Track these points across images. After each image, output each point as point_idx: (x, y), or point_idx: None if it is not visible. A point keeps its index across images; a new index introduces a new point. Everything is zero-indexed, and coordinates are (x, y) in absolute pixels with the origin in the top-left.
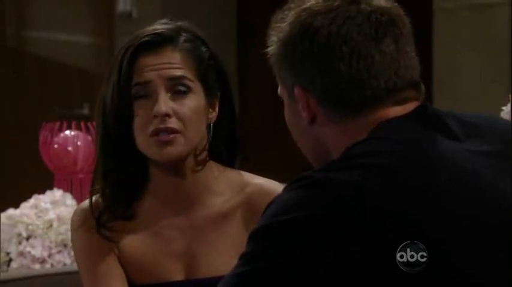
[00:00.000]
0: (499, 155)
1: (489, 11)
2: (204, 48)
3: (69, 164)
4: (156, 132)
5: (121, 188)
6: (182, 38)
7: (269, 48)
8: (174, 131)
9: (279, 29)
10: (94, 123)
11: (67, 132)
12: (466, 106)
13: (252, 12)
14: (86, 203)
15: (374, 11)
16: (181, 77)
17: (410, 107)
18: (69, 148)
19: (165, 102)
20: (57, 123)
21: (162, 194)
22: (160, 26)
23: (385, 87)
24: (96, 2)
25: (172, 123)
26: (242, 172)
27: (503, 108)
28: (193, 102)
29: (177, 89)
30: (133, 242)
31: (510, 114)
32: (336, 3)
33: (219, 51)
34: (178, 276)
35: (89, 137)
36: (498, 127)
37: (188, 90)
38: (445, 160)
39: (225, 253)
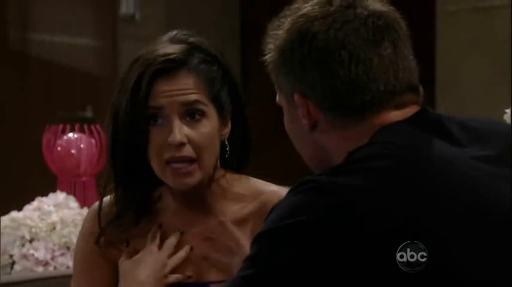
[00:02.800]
0: (500, 159)
1: (491, 13)
2: (216, 68)
3: (73, 166)
4: (171, 161)
5: (132, 198)
6: (195, 60)
7: (267, 56)
8: (189, 159)
9: (276, 36)
10: (97, 126)
11: (70, 134)
12: (468, 108)
13: (255, 14)
14: (95, 205)
15: (370, 15)
16: (195, 102)
17: (410, 111)
18: (73, 151)
19: (179, 130)
20: (61, 126)
21: (176, 203)
22: (172, 48)
23: (384, 91)
24: (99, 5)
25: (187, 151)
26: (255, 179)
27: (507, 110)
28: (207, 128)
29: (191, 114)
30: (145, 245)
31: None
32: (332, 9)
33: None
34: (188, 279)
35: (92, 140)
36: (500, 132)
37: (202, 115)
38: (445, 164)
39: (238, 258)
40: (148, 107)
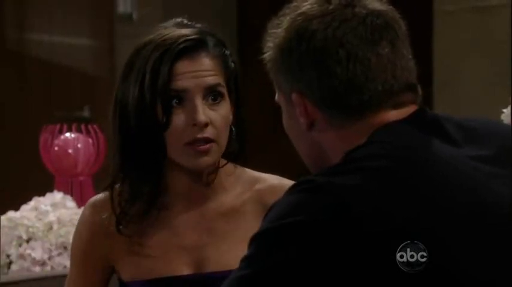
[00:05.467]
0: (498, 159)
1: (490, 13)
2: (227, 52)
3: (70, 166)
4: (192, 142)
5: (141, 187)
6: (211, 43)
7: (265, 55)
8: (210, 140)
9: (275, 35)
10: (95, 125)
11: (67, 134)
12: (466, 109)
13: (253, 15)
14: (99, 197)
15: (369, 14)
16: (217, 85)
17: (408, 111)
18: (70, 150)
19: (204, 112)
20: (58, 126)
21: (177, 191)
22: (186, 31)
23: (382, 90)
24: (96, 4)
25: (209, 132)
26: (249, 170)
27: (504, 110)
28: (225, 109)
29: (212, 96)
30: (145, 236)
31: (510, 116)
32: (331, 7)
33: None
34: (187, 270)
35: (90, 140)
36: (498, 132)
37: (222, 97)
38: (443, 164)
39: (234, 246)
40: (170, 89)
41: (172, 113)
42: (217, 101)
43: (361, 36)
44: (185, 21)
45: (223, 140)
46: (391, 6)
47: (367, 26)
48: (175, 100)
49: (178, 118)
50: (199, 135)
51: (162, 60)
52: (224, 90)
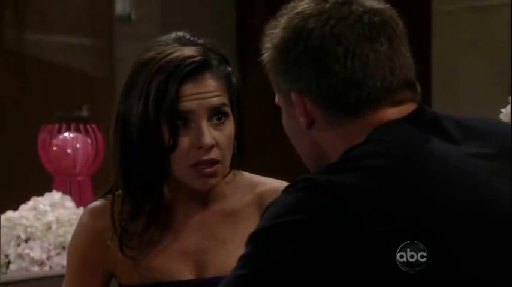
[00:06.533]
0: (498, 157)
1: (489, 12)
2: (230, 69)
3: (68, 166)
4: (198, 163)
5: (142, 205)
6: (215, 62)
7: (264, 55)
8: (216, 161)
9: (273, 35)
10: (93, 125)
11: (66, 134)
12: (465, 108)
13: (252, 14)
14: (97, 203)
15: (366, 11)
16: (222, 105)
17: (407, 109)
18: (68, 150)
19: (209, 133)
20: (56, 126)
21: (178, 198)
22: (190, 50)
23: (381, 87)
24: (94, 4)
25: (215, 154)
26: (249, 173)
27: (502, 110)
28: (229, 128)
29: (217, 117)
30: (146, 241)
31: (509, 116)
32: (328, 6)
33: None
34: (189, 275)
35: (88, 139)
36: (498, 130)
37: (226, 117)
38: (442, 162)
39: (236, 250)
40: (175, 111)
41: (179, 134)
42: (221, 121)
43: (358, 33)
44: (187, 36)
45: (228, 160)
46: (388, 5)
47: (364, 23)
48: (180, 121)
49: (184, 140)
50: (205, 157)
51: (167, 83)
52: (228, 109)
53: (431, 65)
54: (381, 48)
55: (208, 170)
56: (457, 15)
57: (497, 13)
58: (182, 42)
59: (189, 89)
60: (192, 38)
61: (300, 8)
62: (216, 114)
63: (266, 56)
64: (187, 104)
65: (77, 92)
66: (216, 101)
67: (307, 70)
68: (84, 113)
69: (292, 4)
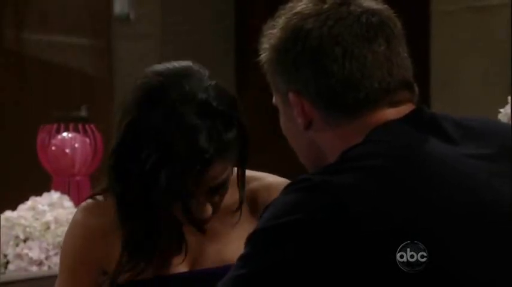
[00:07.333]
0: (497, 158)
1: (488, 12)
2: (235, 129)
3: (67, 166)
4: None
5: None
6: (231, 147)
7: (262, 56)
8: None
9: (271, 36)
10: (92, 125)
11: (65, 134)
12: (464, 108)
13: (251, 14)
14: (90, 201)
15: (364, 12)
16: (225, 181)
17: (405, 109)
18: (67, 150)
19: (206, 210)
20: (55, 126)
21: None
22: (216, 134)
23: (378, 88)
24: (93, 4)
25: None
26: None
27: (501, 110)
28: (226, 193)
29: (216, 192)
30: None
31: (508, 116)
32: (326, 6)
33: (218, 53)
34: (183, 268)
35: (87, 139)
36: (497, 131)
37: (225, 188)
38: (441, 163)
39: (230, 244)
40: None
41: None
42: (220, 193)
43: (356, 34)
44: (204, 103)
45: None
46: (386, 5)
47: (363, 24)
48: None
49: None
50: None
51: (196, 156)
52: (229, 178)
53: (430, 65)
54: (379, 49)
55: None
56: (457, 15)
57: (496, 13)
58: (201, 111)
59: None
60: (210, 108)
61: (298, 9)
62: (216, 190)
63: (264, 56)
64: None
65: (76, 92)
66: (219, 180)
67: (305, 71)
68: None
69: (290, 4)
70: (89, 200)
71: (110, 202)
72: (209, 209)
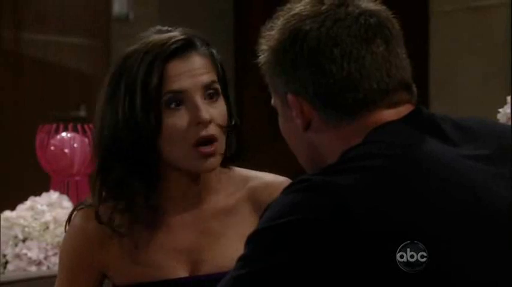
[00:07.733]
0: (495, 159)
1: (487, 13)
2: (214, 51)
3: (66, 166)
4: (197, 143)
5: (136, 198)
6: (199, 42)
7: (260, 57)
8: (214, 138)
9: (269, 37)
10: (91, 125)
11: (63, 134)
12: (463, 109)
13: (250, 14)
14: (87, 203)
15: (362, 13)
16: (212, 82)
17: (404, 110)
18: (66, 150)
19: (206, 109)
20: (54, 125)
21: (171, 194)
22: (172, 34)
23: (377, 89)
24: (92, 4)
25: (213, 130)
26: (244, 169)
27: (500, 110)
28: (222, 106)
29: (209, 94)
30: (139, 240)
31: (507, 116)
32: (324, 7)
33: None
34: (183, 273)
35: (86, 139)
36: (496, 131)
37: (218, 95)
38: (440, 163)
39: (230, 246)
40: (167, 92)
41: (166, 115)
42: (214, 99)
43: (355, 34)
44: (165, 28)
45: (222, 141)
46: (384, 6)
47: (361, 24)
48: (174, 103)
49: (180, 120)
50: (203, 134)
51: (154, 64)
52: (219, 87)
53: (429, 65)
54: (377, 50)
55: (208, 150)
56: (455, 15)
57: (495, 13)
58: (161, 32)
59: (177, 67)
60: (169, 28)
61: (296, 10)
62: (208, 91)
63: (262, 57)
64: (178, 83)
65: (75, 92)
66: (206, 78)
67: (304, 72)
68: (82, 112)
69: (288, 6)
70: (85, 203)
71: (106, 206)
72: (207, 111)
